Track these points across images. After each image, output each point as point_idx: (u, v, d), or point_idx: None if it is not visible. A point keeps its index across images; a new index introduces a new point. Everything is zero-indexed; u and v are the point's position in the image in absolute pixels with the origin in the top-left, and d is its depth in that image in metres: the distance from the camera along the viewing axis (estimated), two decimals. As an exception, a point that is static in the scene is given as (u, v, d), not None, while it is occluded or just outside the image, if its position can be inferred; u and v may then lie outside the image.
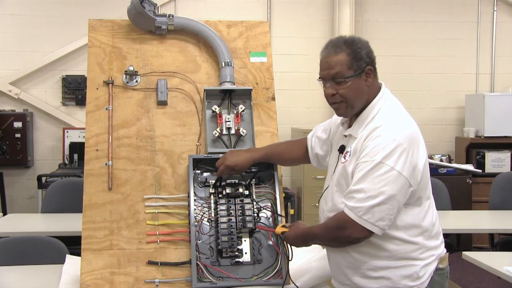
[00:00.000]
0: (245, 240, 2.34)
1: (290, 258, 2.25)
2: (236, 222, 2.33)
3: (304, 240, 2.09)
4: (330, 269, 2.15)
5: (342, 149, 2.06)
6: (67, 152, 6.07)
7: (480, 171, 6.07)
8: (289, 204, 5.62)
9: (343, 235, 1.91)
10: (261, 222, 2.37)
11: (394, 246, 1.92)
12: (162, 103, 2.60)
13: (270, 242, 2.34)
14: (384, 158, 1.85)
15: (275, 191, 2.43)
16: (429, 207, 2.00)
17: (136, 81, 2.62)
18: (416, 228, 1.94)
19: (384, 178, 1.84)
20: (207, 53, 2.72)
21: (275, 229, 2.26)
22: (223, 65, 2.62)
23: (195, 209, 2.35)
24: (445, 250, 2.05)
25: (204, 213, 2.37)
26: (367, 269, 1.96)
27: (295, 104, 6.56)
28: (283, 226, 2.23)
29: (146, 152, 2.50)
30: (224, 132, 2.54)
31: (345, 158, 2.00)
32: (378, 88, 2.04)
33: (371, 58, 1.99)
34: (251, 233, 2.36)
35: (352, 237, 1.89)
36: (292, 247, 2.22)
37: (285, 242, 2.25)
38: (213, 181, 2.41)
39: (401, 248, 1.93)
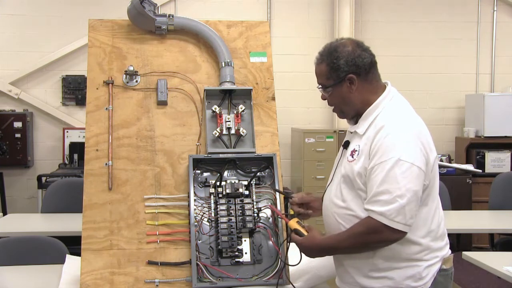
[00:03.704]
0: (245, 240, 2.34)
1: (297, 263, 2.16)
2: (236, 222, 2.33)
3: (319, 252, 2.03)
4: (334, 268, 2.13)
5: (346, 145, 2.06)
6: (67, 152, 6.07)
7: (480, 171, 6.07)
8: (289, 204, 5.61)
9: (376, 239, 1.87)
10: (262, 222, 2.36)
11: (399, 246, 1.91)
12: (162, 103, 2.60)
13: (270, 242, 2.34)
14: (401, 155, 1.84)
15: (275, 191, 2.42)
16: (436, 207, 2.00)
17: (136, 81, 2.62)
18: (423, 229, 1.93)
19: (407, 175, 1.83)
20: (207, 53, 2.72)
21: (288, 219, 2.16)
22: (223, 65, 2.63)
23: (195, 209, 2.35)
24: (449, 251, 2.04)
25: (204, 213, 2.37)
26: (370, 269, 1.95)
27: (295, 104, 6.56)
28: (298, 222, 2.12)
29: (146, 152, 2.50)
30: (224, 132, 2.54)
31: (352, 157, 1.98)
32: (381, 88, 2.04)
33: (355, 65, 1.98)
34: (251, 233, 2.36)
35: (389, 240, 1.87)
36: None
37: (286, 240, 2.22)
38: (213, 181, 2.41)
39: (405, 249, 1.92)
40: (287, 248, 2.24)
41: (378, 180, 1.85)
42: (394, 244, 1.90)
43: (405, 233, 1.85)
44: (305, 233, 2.05)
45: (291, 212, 2.32)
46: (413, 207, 1.84)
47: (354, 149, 1.99)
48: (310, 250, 2.04)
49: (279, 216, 2.33)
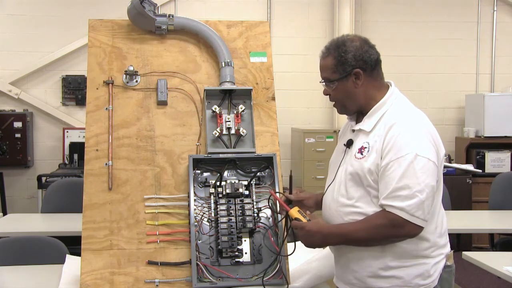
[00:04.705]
0: (245, 240, 2.34)
1: (291, 253, 2.15)
2: (236, 222, 2.33)
3: (325, 237, 1.97)
4: (334, 267, 2.12)
5: (349, 143, 2.05)
6: (67, 152, 6.07)
7: (480, 171, 6.07)
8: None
9: (397, 233, 1.87)
10: (262, 222, 2.36)
11: (410, 243, 1.91)
12: (162, 103, 2.60)
13: (270, 242, 2.34)
14: (418, 151, 1.85)
15: (275, 191, 2.42)
16: (440, 204, 2.01)
17: (136, 81, 2.62)
18: (431, 224, 1.94)
19: (425, 171, 1.84)
20: (207, 53, 2.72)
21: (290, 208, 2.09)
22: (223, 65, 2.63)
23: (195, 209, 2.35)
24: (450, 248, 2.05)
25: (204, 213, 2.37)
26: (379, 267, 1.94)
27: (295, 104, 6.56)
28: (299, 211, 2.05)
29: (146, 152, 2.50)
30: (224, 132, 2.54)
31: (362, 154, 1.97)
32: (384, 87, 2.05)
33: (362, 60, 1.99)
34: (251, 233, 2.36)
35: (408, 235, 1.87)
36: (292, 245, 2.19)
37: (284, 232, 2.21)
38: (213, 181, 2.41)
39: (415, 245, 1.92)
40: (283, 239, 2.22)
41: (396, 175, 1.85)
42: (405, 241, 1.90)
43: (422, 228, 1.86)
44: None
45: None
46: (430, 202, 1.86)
47: (363, 146, 1.98)
48: (314, 234, 1.96)
49: (280, 205, 2.23)
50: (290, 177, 2.31)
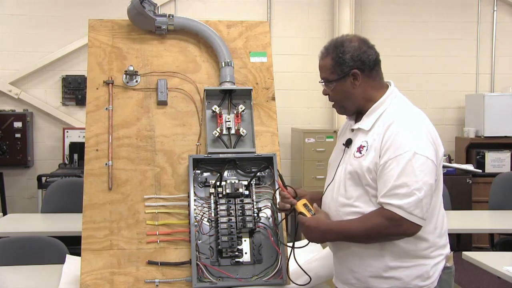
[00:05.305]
0: (245, 240, 2.34)
1: (305, 245, 2.12)
2: (236, 222, 2.33)
3: (323, 233, 1.98)
4: (334, 267, 2.12)
5: (348, 143, 2.05)
6: (67, 152, 6.07)
7: (480, 171, 6.07)
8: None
9: (395, 232, 1.86)
10: (262, 222, 2.36)
11: (408, 243, 1.91)
12: (162, 103, 2.60)
13: (270, 242, 2.34)
14: (417, 149, 1.85)
15: (275, 191, 2.42)
16: (440, 203, 2.01)
17: (136, 81, 2.63)
18: (430, 224, 1.94)
19: (424, 169, 1.85)
20: (207, 53, 2.73)
21: (296, 201, 2.07)
22: (223, 65, 2.63)
23: (195, 209, 2.35)
24: (449, 249, 2.05)
25: (204, 213, 2.37)
26: (379, 268, 1.93)
27: (295, 104, 6.56)
28: (305, 205, 2.05)
29: (146, 152, 2.51)
30: (224, 132, 2.54)
31: (360, 153, 1.97)
32: (384, 87, 2.05)
33: (360, 61, 1.99)
34: (251, 233, 2.36)
35: (406, 234, 1.87)
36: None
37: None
38: (213, 181, 2.41)
39: (414, 245, 1.92)
40: (295, 231, 2.19)
41: (394, 173, 1.85)
42: (404, 240, 1.90)
43: (420, 226, 1.86)
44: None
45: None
46: (428, 200, 1.86)
47: (361, 145, 1.98)
48: (313, 230, 1.98)
49: (283, 197, 2.17)
50: (280, 176, 2.30)
